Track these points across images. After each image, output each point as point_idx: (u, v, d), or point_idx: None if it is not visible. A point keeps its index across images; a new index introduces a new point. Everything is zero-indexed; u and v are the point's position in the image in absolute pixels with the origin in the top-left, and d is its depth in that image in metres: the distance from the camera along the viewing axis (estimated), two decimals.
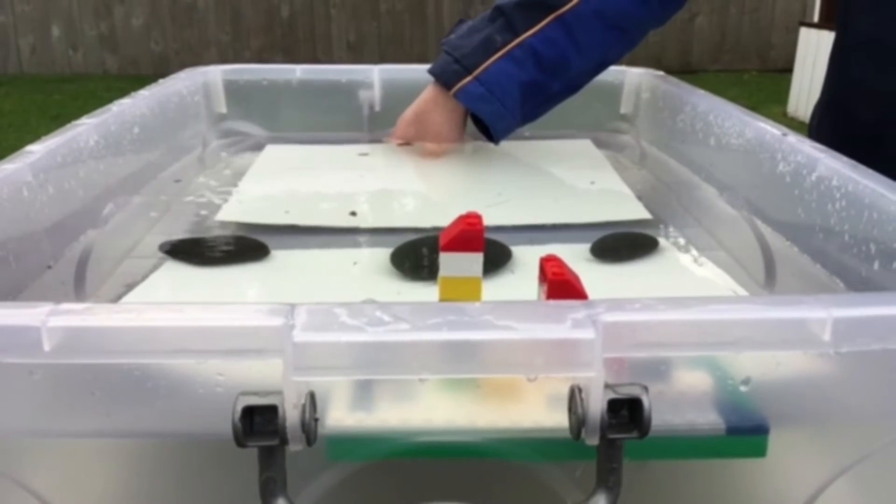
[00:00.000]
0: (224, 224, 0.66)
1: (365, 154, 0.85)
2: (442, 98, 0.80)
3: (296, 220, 0.66)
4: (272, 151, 0.86)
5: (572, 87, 0.81)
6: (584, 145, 0.89)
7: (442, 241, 0.40)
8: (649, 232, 0.63)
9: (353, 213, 0.67)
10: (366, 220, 0.67)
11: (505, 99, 0.77)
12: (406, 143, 0.85)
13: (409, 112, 0.83)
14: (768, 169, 0.60)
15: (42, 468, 0.34)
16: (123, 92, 0.76)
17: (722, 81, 5.12)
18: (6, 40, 5.47)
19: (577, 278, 0.35)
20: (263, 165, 0.82)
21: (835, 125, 0.80)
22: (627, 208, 0.69)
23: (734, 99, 0.76)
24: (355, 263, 0.58)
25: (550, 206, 0.71)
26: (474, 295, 0.40)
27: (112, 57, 5.58)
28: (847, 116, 0.77)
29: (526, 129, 0.87)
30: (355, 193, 0.73)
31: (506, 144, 0.86)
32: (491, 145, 0.85)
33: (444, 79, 0.79)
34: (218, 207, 0.69)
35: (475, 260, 0.40)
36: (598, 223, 0.66)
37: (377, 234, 0.64)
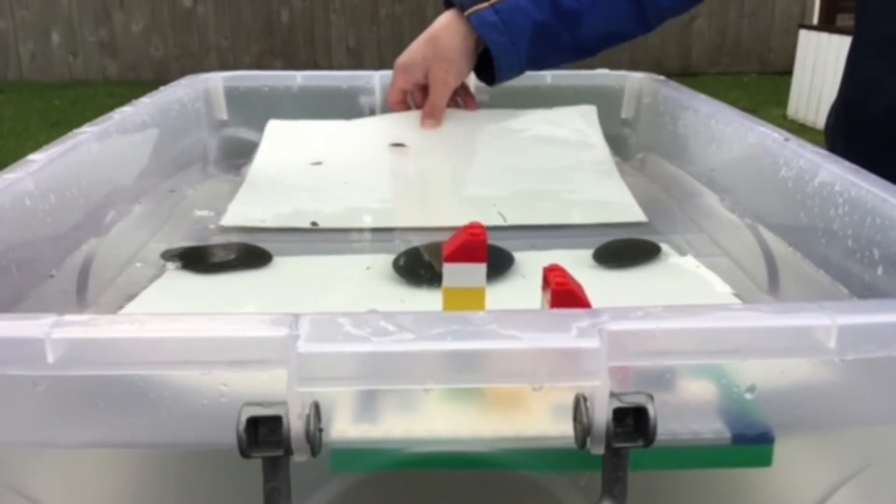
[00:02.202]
0: (227, 229, 0.67)
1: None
2: (455, 23, 0.80)
3: (299, 223, 0.67)
4: (274, 131, 0.85)
5: (580, 48, 0.82)
6: (586, 114, 0.88)
7: (445, 252, 0.40)
8: (651, 238, 0.63)
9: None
10: (365, 222, 0.68)
11: (516, 34, 0.78)
12: (405, 104, 0.85)
13: (420, 37, 0.83)
14: (770, 174, 0.60)
15: (46, 479, 0.34)
16: (124, 98, 0.76)
17: (722, 84, 5.13)
18: (6, 47, 5.48)
19: (580, 288, 0.35)
20: (266, 156, 0.81)
21: (850, 123, 0.80)
22: (623, 211, 0.70)
23: (734, 101, 0.76)
24: (368, 268, 0.58)
25: (546, 206, 0.71)
26: (478, 305, 0.40)
27: (112, 63, 5.59)
28: (862, 114, 0.78)
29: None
30: (355, 192, 0.73)
31: (507, 116, 0.85)
32: (489, 128, 0.84)
33: (459, 1, 0.79)
34: (219, 215, 0.69)
35: (479, 270, 0.40)
36: (593, 225, 0.67)
37: (378, 240, 0.64)
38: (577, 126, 0.87)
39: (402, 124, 0.84)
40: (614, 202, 0.73)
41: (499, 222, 0.67)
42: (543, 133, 0.85)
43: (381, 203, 0.72)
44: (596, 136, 0.85)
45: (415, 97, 0.86)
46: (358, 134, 0.85)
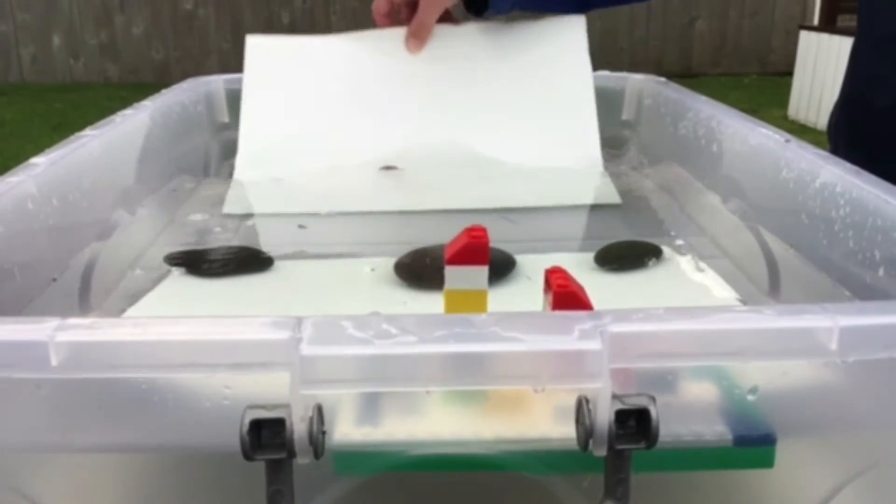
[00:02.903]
0: (229, 225, 0.67)
1: None
2: None
3: (299, 208, 0.70)
4: (257, 59, 0.81)
5: None
6: (573, 30, 0.84)
7: (447, 255, 0.40)
8: (652, 240, 0.63)
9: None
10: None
11: None
12: (389, 18, 0.81)
13: None
14: (771, 175, 0.60)
15: (50, 483, 0.34)
16: (125, 100, 0.76)
17: (722, 85, 5.13)
18: (7, 49, 5.49)
19: (582, 290, 0.35)
20: (255, 105, 0.80)
21: (852, 120, 0.80)
22: (599, 192, 0.75)
23: (735, 102, 0.76)
24: (373, 269, 0.58)
25: (521, 187, 0.75)
26: (480, 308, 0.40)
27: (113, 65, 5.59)
28: (864, 111, 0.78)
29: None
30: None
31: (489, 40, 0.83)
32: (469, 65, 0.82)
33: None
34: (222, 217, 0.70)
35: (480, 273, 0.40)
36: (568, 206, 0.73)
37: (380, 244, 0.65)
38: (562, 46, 0.84)
39: (386, 45, 0.80)
40: (590, 181, 0.78)
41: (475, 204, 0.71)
42: (527, 61, 0.83)
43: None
44: (580, 61, 0.83)
45: (402, 13, 0.80)
46: (347, 85, 0.81)
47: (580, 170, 0.80)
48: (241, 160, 0.80)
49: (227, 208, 0.71)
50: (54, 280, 0.54)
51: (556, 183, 0.77)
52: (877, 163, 0.52)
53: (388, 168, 0.80)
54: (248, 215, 0.71)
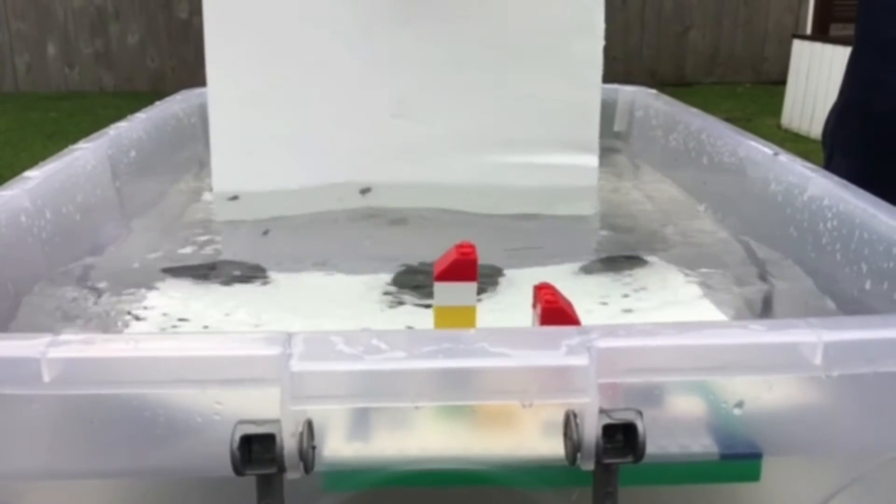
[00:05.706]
0: (223, 235, 0.67)
1: None
2: None
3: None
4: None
5: None
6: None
7: (436, 271, 0.40)
8: (640, 251, 0.63)
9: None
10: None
11: None
12: None
13: None
14: (760, 188, 0.60)
15: (43, 497, 0.34)
16: (119, 109, 0.77)
17: (716, 94, 5.14)
18: (2, 58, 5.48)
19: (570, 305, 0.36)
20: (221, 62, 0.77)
21: (852, 125, 0.81)
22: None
23: (728, 111, 0.77)
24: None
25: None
26: (469, 323, 0.40)
27: (108, 74, 5.59)
28: (865, 115, 0.79)
29: None
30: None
31: None
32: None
33: None
34: (215, 229, 0.70)
35: (469, 289, 0.40)
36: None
37: (375, 259, 0.64)
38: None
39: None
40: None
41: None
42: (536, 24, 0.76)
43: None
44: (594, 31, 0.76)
45: None
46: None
47: (571, 165, 0.77)
48: (216, 165, 0.75)
49: (218, 185, 0.72)
50: (48, 294, 0.54)
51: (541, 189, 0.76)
52: (877, 167, 0.53)
53: (365, 191, 0.80)
54: (242, 226, 0.71)
